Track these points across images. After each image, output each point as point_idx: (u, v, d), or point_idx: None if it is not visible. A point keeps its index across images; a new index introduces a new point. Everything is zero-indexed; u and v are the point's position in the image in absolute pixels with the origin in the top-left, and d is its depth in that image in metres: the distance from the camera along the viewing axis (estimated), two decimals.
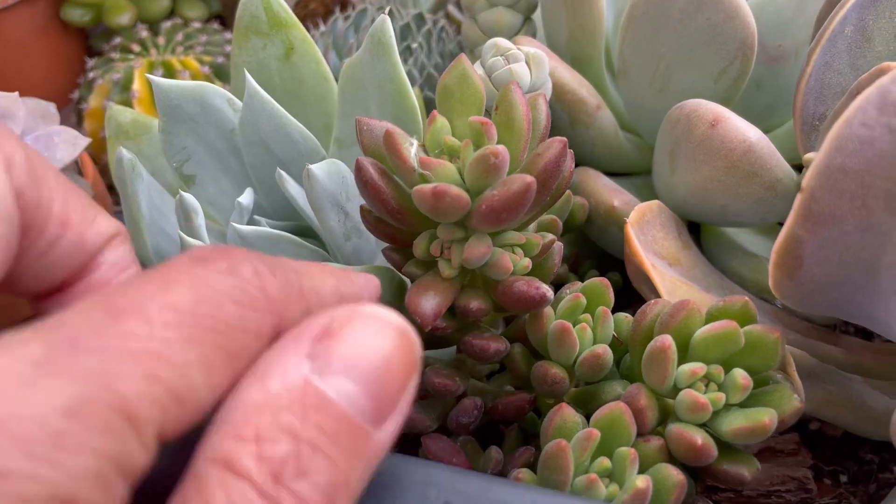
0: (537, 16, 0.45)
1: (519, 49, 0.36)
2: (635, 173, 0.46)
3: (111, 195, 0.48)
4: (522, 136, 0.29)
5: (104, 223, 0.24)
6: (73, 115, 0.61)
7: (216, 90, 0.36)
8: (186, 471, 0.16)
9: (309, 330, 0.18)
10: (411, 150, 0.28)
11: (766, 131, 0.44)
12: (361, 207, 0.31)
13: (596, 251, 0.42)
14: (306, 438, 0.16)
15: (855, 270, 0.25)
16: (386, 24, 0.34)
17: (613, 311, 0.41)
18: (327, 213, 0.33)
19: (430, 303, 0.27)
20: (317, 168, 0.31)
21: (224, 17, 0.68)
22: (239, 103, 0.37)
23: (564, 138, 0.28)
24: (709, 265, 0.37)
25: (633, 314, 0.40)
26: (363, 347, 0.17)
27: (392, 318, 0.18)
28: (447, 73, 0.30)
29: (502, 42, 0.36)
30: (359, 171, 0.29)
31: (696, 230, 0.43)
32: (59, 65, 0.62)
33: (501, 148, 0.26)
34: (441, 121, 0.29)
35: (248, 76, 0.34)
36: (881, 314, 0.26)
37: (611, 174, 0.45)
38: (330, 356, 0.17)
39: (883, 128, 0.22)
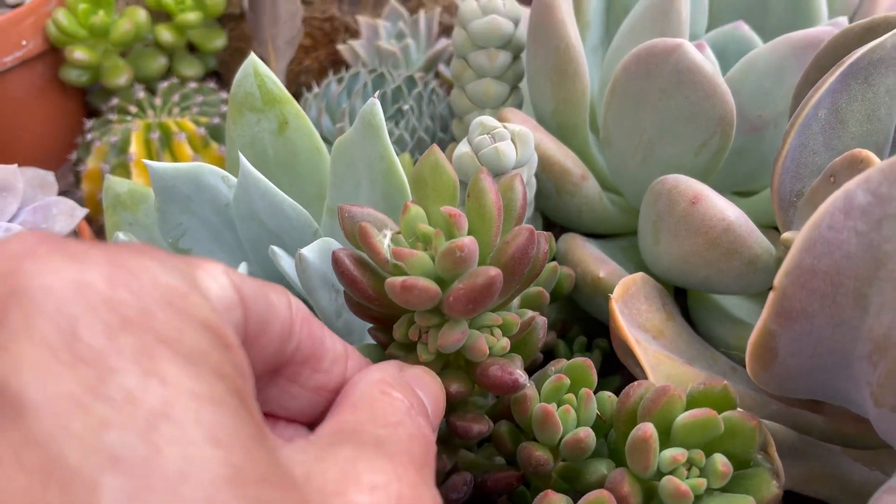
0: (524, 84, 0.46)
1: (505, 127, 0.37)
2: (621, 234, 0.47)
3: None
4: (493, 223, 0.30)
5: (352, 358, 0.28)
6: (70, 174, 0.62)
7: (211, 169, 0.37)
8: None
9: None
10: (384, 241, 0.29)
11: (748, 195, 0.46)
12: (344, 291, 0.32)
13: (584, 316, 0.43)
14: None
15: (828, 360, 0.26)
16: (376, 108, 0.35)
17: (603, 375, 0.42)
18: (318, 293, 0.34)
19: None
20: (308, 251, 0.32)
21: (220, 74, 0.69)
22: (233, 179, 0.38)
23: (532, 227, 0.29)
24: (693, 335, 0.38)
25: (620, 379, 0.41)
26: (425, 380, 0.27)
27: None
28: (421, 162, 0.31)
29: (489, 121, 0.37)
30: (335, 264, 0.30)
31: (684, 293, 0.44)
32: (57, 123, 0.63)
33: (468, 241, 0.27)
34: (415, 209, 0.30)
35: (242, 157, 0.35)
36: (857, 399, 0.27)
37: (598, 236, 0.46)
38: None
39: (850, 231, 0.23)
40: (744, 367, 0.38)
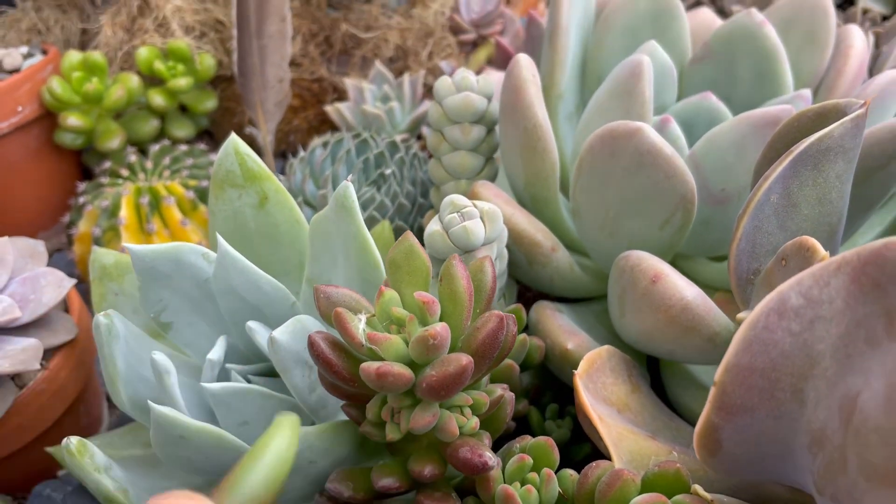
0: (499, 155, 0.48)
1: (474, 205, 0.38)
2: (594, 298, 0.48)
3: None
4: (465, 308, 0.31)
5: None
6: (63, 234, 0.64)
7: (190, 248, 0.38)
8: None
9: None
10: (360, 325, 0.30)
11: (716, 261, 0.47)
12: (318, 371, 0.33)
13: (556, 381, 0.44)
14: None
15: (772, 450, 0.27)
16: (349, 190, 0.36)
17: (574, 441, 0.43)
18: (292, 372, 0.35)
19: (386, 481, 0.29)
20: (279, 333, 0.34)
21: (211, 132, 0.71)
22: (213, 255, 0.39)
23: (501, 313, 0.30)
24: (658, 406, 0.39)
25: (591, 447, 0.42)
26: None
27: None
28: (395, 247, 0.32)
29: (459, 199, 0.38)
30: (311, 347, 0.31)
31: (656, 360, 0.45)
32: (52, 184, 0.65)
33: (441, 328, 0.29)
34: (390, 293, 0.31)
35: (220, 237, 0.37)
36: (803, 482, 0.28)
37: (571, 300, 0.47)
38: None
39: (784, 331, 0.25)
40: None
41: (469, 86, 0.44)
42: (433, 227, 0.38)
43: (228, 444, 0.33)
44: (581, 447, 0.42)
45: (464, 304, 0.31)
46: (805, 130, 0.36)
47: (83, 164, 0.68)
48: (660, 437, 0.36)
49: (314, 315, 0.38)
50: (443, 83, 0.45)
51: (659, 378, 0.45)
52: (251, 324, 0.38)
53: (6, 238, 0.44)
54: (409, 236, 0.32)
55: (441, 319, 0.31)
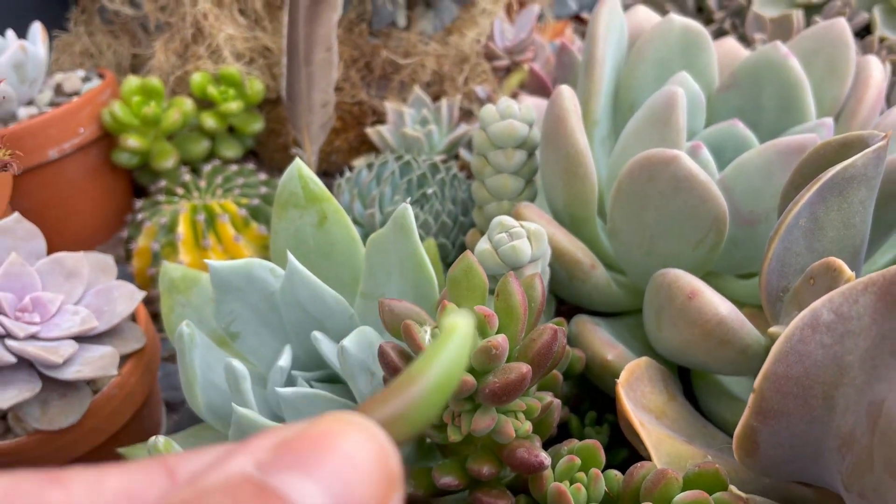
0: (538, 178, 0.51)
1: (521, 226, 0.41)
2: (628, 313, 0.51)
3: (159, 335, 0.54)
4: (519, 321, 0.34)
5: None
6: (118, 247, 0.67)
7: (260, 263, 0.41)
8: None
9: (261, 438, 0.15)
10: (426, 336, 0.33)
11: (747, 278, 0.50)
12: (383, 377, 0.36)
13: (595, 390, 0.47)
14: None
15: (804, 451, 0.30)
16: (407, 211, 0.40)
17: (611, 447, 0.46)
18: (357, 377, 0.38)
19: (447, 479, 0.32)
20: (348, 342, 0.37)
21: (257, 153, 0.74)
22: (279, 271, 0.42)
23: (555, 327, 0.33)
24: (693, 413, 0.42)
25: (628, 452, 0.45)
26: (327, 447, 0.14)
27: (366, 423, 0.15)
28: (456, 265, 0.36)
29: (507, 220, 0.41)
30: (381, 356, 0.34)
31: (687, 370, 0.48)
32: (107, 201, 0.68)
33: (501, 340, 0.32)
34: (451, 308, 0.34)
35: (290, 255, 0.40)
36: (831, 482, 0.31)
37: (606, 314, 0.50)
38: (283, 456, 0.14)
39: (816, 344, 0.28)
40: None
41: (512, 113, 0.48)
42: (483, 245, 0.41)
43: None
44: (618, 452, 0.44)
45: (519, 317, 0.34)
46: (830, 159, 0.39)
47: (135, 182, 0.71)
48: (695, 442, 0.39)
49: (367, 326, 0.41)
50: (488, 111, 0.48)
51: (689, 388, 0.47)
52: (316, 334, 0.41)
53: (81, 253, 0.48)
54: (469, 255, 0.35)
55: (498, 332, 0.34)
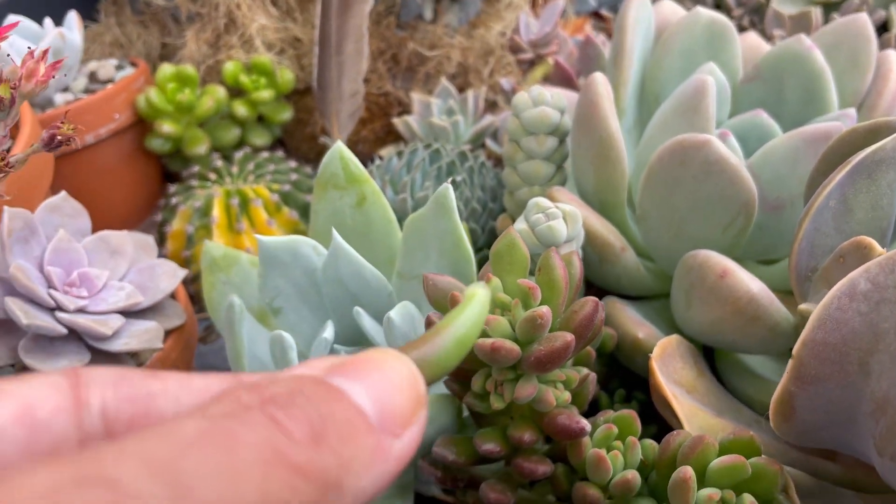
0: (567, 164, 0.52)
1: (556, 207, 0.43)
2: (654, 297, 0.52)
3: (193, 305, 0.55)
4: (561, 294, 0.36)
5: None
6: (149, 230, 0.69)
7: (305, 241, 0.43)
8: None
9: (316, 362, 0.18)
10: None
11: (770, 263, 0.51)
12: None
13: (623, 369, 0.48)
14: (313, 416, 0.15)
15: (838, 417, 0.31)
16: (448, 191, 0.41)
17: (642, 421, 0.47)
18: None
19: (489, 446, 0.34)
20: (394, 314, 0.38)
21: (284, 141, 0.76)
22: (322, 249, 0.44)
23: (596, 299, 0.35)
24: (722, 390, 0.43)
25: (656, 427, 0.46)
26: (373, 365, 0.18)
27: (402, 356, 0.19)
28: (500, 240, 0.37)
29: (543, 202, 0.43)
30: (429, 325, 0.35)
31: (710, 351, 0.49)
32: (140, 186, 0.70)
33: (546, 310, 0.33)
34: (495, 281, 0.36)
35: (335, 232, 0.41)
36: (863, 449, 0.32)
37: (633, 297, 0.52)
38: (338, 368, 0.17)
39: (854, 311, 0.29)
40: (766, 419, 0.43)
41: (545, 100, 0.49)
42: (520, 225, 0.43)
43: None
44: (648, 428, 0.46)
45: (560, 290, 0.36)
46: (857, 145, 0.40)
47: (165, 167, 0.73)
48: (725, 416, 0.40)
49: (408, 301, 0.42)
50: (521, 98, 0.49)
51: (713, 368, 0.49)
52: (358, 309, 0.42)
53: (125, 232, 0.49)
54: (512, 231, 0.37)
55: (541, 304, 0.35)
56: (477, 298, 0.22)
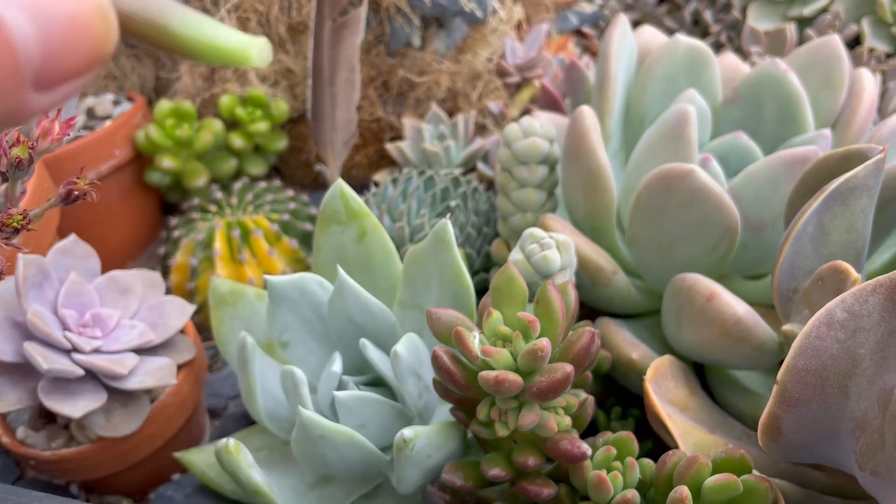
0: (558, 191, 0.54)
1: (550, 237, 0.45)
2: (645, 314, 0.55)
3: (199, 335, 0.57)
4: (559, 325, 0.38)
5: None
6: (149, 262, 0.70)
7: (312, 278, 0.45)
8: None
9: None
10: (475, 341, 0.37)
11: (756, 279, 0.53)
12: (434, 379, 0.40)
13: (619, 387, 0.50)
14: None
15: (821, 435, 0.33)
16: (447, 227, 0.43)
17: (637, 437, 0.49)
18: (407, 380, 0.41)
19: (495, 471, 0.36)
20: (400, 348, 0.40)
21: (279, 169, 0.78)
22: (327, 284, 0.46)
23: (592, 329, 0.37)
24: (713, 406, 0.45)
25: (652, 443, 0.49)
26: None
27: None
28: (498, 274, 0.39)
29: (537, 232, 0.45)
30: (435, 360, 0.37)
31: (701, 366, 0.51)
32: (139, 219, 0.71)
33: (546, 343, 0.35)
34: (496, 315, 0.38)
35: (341, 270, 0.43)
36: (845, 463, 0.35)
37: (624, 316, 0.54)
38: None
39: (832, 339, 0.31)
40: (755, 432, 0.45)
41: (535, 131, 0.51)
42: (516, 255, 0.45)
43: (358, 442, 0.40)
44: (644, 444, 0.48)
45: (558, 322, 0.38)
46: (833, 170, 0.43)
47: (163, 199, 0.74)
48: (717, 432, 0.43)
49: (412, 333, 0.44)
50: (512, 130, 0.52)
51: (704, 383, 0.51)
52: (364, 341, 0.44)
53: (135, 271, 0.51)
54: (511, 266, 0.39)
55: (539, 335, 0.38)
56: (231, 41, 0.18)
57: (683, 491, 0.34)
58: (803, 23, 0.77)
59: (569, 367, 0.35)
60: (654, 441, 0.48)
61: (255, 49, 0.18)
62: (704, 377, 0.51)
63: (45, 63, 0.14)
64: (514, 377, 0.35)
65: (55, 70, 0.15)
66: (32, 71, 0.14)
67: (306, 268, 0.63)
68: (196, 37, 0.18)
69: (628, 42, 0.57)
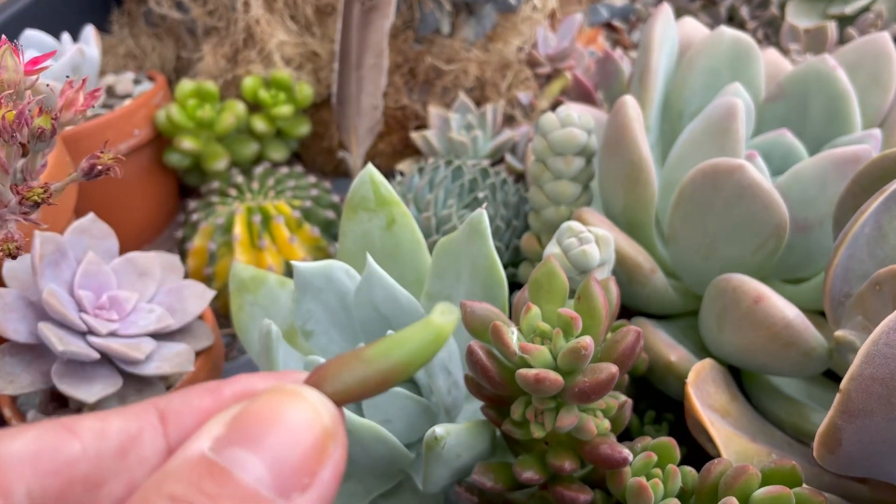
0: (593, 184, 0.52)
1: (589, 231, 0.43)
2: (681, 315, 0.53)
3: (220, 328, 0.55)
4: (602, 322, 0.36)
5: None
6: (165, 245, 0.69)
7: (339, 265, 0.43)
8: None
9: (222, 414, 0.18)
10: (513, 337, 0.35)
11: (796, 283, 0.51)
12: (466, 376, 0.38)
13: (653, 391, 0.48)
14: None
15: (882, 448, 0.31)
16: (483, 216, 0.41)
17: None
18: (438, 375, 0.39)
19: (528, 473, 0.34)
20: None
21: (300, 155, 0.76)
22: (353, 273, 0.44)
23: (638, 329, 0.35)
24: (753, 413, 0.43)
25: (687, 450, 0.47)
26: (268, 420, 0.17)
27: (303, 391, 0.18)
28: (538, 269, 0.37)
29: (576, 225, 0.43)
30: (470, 355, 0.35)
31: (737, 372, 0.49)
32: (157, 201, 0.70)
33: (589, 341, 0.33)
34: (535, 310, 0.36)
35: (370, 258, 0.41)
36: None
37: (659, 317, 0.52)
38: (233, 431, 0.17)
39: None
40: (797, 440, 0.43)
41: (572, 121, 0.49)
42: (553, 249, 0.43)
43: (384, 438, 0.38)
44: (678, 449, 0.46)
45: (601, 319, 0.36)
46: (889, 170, 0.41)
47: (181, 182, 0.73)
48: (759, 441, 0.41)
49: None
50: (548, 119, 0.50)
51: (741, 389, 0.49)
52: (391, 333, 0.42)
53: (154, 253, 0.49)
54: (552, 259, 0.37)
55: (581, 333, 0.36)
56: (429, 329, 0.20)
57: (732, 502, 0.32)
58: (843, 21, 0.75)
59: (613, 368, 0.33)
60: (690, 447, 0.46)
61: (440, 326, 0.20)
62: (741, 383, 0.49)
63: (279, 478, 0.17)
64: (555, 376, 0.33)
65: (292, 477, 0.17)
66: (275, 491, 0.17)
67: (327, 256, 0.62)
68: (397, 364, 0.19)
69: (671, 32, 0.54)
